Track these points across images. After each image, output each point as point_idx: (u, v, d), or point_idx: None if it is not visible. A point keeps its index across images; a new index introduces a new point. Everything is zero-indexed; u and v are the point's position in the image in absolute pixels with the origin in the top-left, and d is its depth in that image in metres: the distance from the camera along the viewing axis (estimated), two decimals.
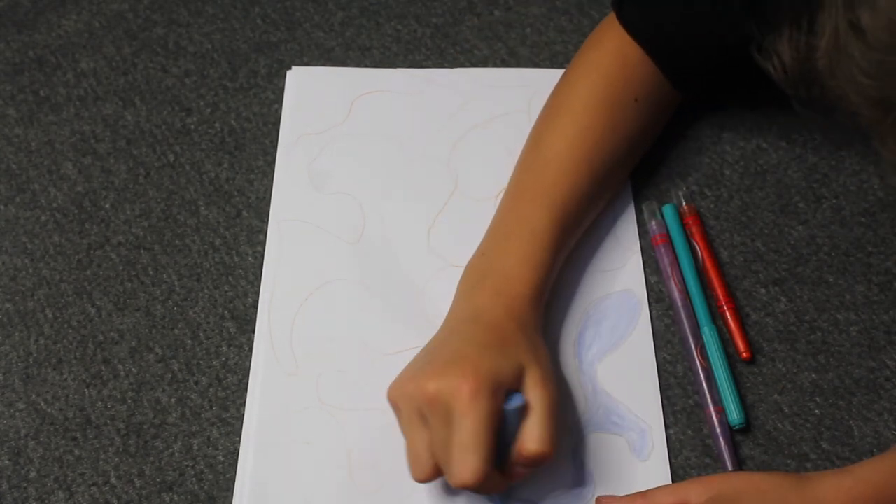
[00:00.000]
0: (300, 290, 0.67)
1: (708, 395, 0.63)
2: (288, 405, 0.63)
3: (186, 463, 0.62)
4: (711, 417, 0.62)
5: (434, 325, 0.64)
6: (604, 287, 0.68)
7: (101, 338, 0.66)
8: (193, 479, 0.61)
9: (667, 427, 0.62)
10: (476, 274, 0.63)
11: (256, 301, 0.67)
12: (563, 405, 0.63)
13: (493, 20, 0.82)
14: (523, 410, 0.56)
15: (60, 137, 0.75)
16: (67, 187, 0.73)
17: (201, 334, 0.66)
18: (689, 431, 0.62)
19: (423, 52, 0.80)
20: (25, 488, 0.61)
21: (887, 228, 0.70)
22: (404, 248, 0.69)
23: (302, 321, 0.66)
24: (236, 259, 0.69)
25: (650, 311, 0.67)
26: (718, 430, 0.62)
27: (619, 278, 0.68)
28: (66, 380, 0.65)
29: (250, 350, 0.65)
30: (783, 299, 0.67)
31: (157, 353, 0.66)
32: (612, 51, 0.69)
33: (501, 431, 0.55)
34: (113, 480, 0.61)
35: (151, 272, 0.69)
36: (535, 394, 0.56)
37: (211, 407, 0.64)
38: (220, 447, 0.62)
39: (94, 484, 0.61)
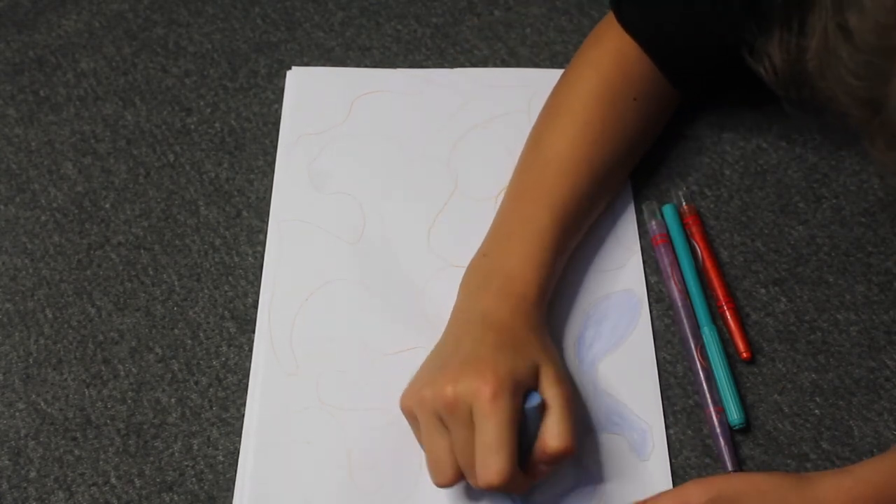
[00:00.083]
0: (300, 290, 0.67)
1: (708, 395, 0.63)
2: (288, 405, 0.63)
3: (186, 463, 0.62)
4: (711, 417, 0.62)
5: (434, 325, 0.64)
6: (604, 287, 0.68)
7: (101, 338, 0.66)
8: (193, 479, 0.61)
9: (667, 427, 0.62)
10: (479, 275, 0.63)
11: (256, 301, 0.67)
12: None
13: (493, 20, 0.82)
14: (541, 409, 0.56)
15: (60, 137, 0.75)
16: (67, 187, 0.73)
17: (201, 334, 0.66)
18: (689, 431, 0.63)
19: (423, 52, 0.80)
20: (25, 488, 0.61)
21: (887, 228, 0.70)
22: (404, 248, 0.69)
23: (302, 321, 0.66)
24: (236, 259, 0.69)
25: (650, 311, 0.67)
26: (718, 430, 0.62)
27: (620, 278, 0.68)
28: (66, 380, 0.65)
29: (250, 350, 0.65)
30: (783, 299, 0.67)
31: (157, 353, 0.66)
32: (610, 50, 0.69)
33: (522, 431, 0.55)
34: (113, 480, 0.61)
35: (151, 272, 0.69)
36: (551, 392, 0.56)
37: (211, 407, 0.64)
38: (220, 447, 0.62)
39: (94, 484, 0.61)
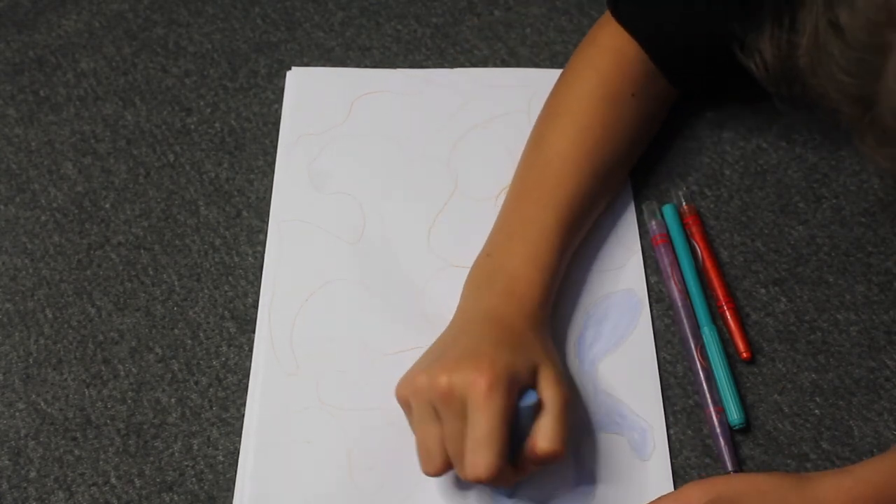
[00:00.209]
0: (300, 291, 0.67)
1: (708, 395, 0.63)
2: (288, 405, 0.63)
3: (186, 463, 0.62)
4: (711, 417, 0.62)
5: (434, 324, 0.64)
6: (604, 287, 0.68)
7: (101, 338, 0.66)
8: (193, 479, 0.61)
9: (667, 427, 0.62)
10: (483, 275, 0.63)
11: (256, 301, 0.67)
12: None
13: (493, 20, 0.82)
14: (536, 408, 0.56)
15: (60, 137, 0.75)
16: (67, 187, 0.73)
17: (201, 334, 0.66)
18: (689, 431, 0.62)
19: (423, 52, 0.80)
20: (25, 488, 0.61)
21: (887, 228, 0.70)
22: (404, 248, 0.69)
23: (302, 321, 0.66)
24: (236, 259, 0.69)
25: (650, 312, 0.67)
26: (718, 430, 0.62)
27: (620, 278, 0.68)
28: (66, 380, 0.65)
29: (250, 350, 0.65)
30: (783, 299, 0.67)
31: (157, 353, 0.66)
32: (608, 49, 0.69)
33: (514, 427, 0.55)
34: (113, 480, 0.61)
35: (151, 272, 0.69)
36: (548, 393, 0.56)
37: (211, 407, 0.64)
38: (220, 447, 0.62)
39: (94, 484, 0.61)
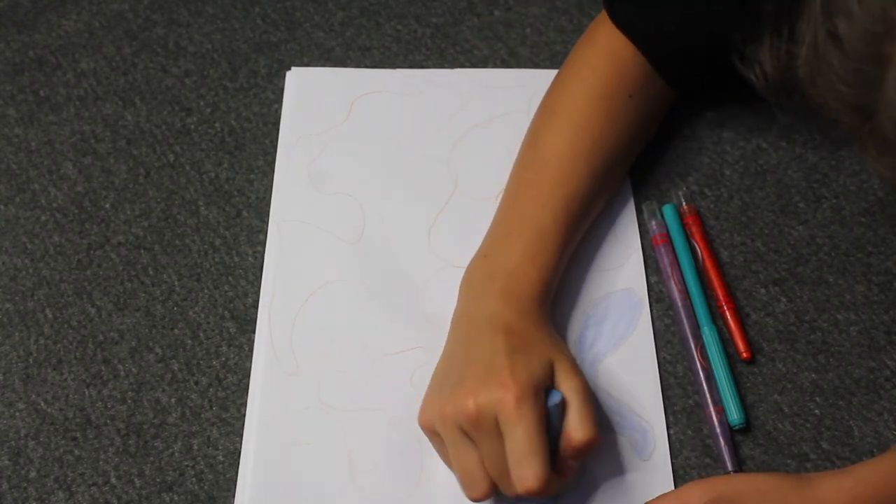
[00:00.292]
0: (300, 291, 0.67)
1: (708, 395, 0.63)
2: (288, 405, 0.63)
3: (186, 463, 0.62)
4: (711, 417, 0.62)
5: (434, 324, 0.64)
6: (605, 287, 0.68)
7: (101, 338, 0.66)
8: (193, 479, 0.61)
9: (667, 427, 0.62)
10: (480, 276, 0.63)
11: (256, 301, 0.67)
12: None
13: (493, 20, 0.82)
14: (563, 404, 0.56)
15: (60, 137, 0.75)
16: (67, 187, 0.73)
17: (201, 334, 0.66)
18: (689, 431, 0.63)
19: (423, 52, 0.80)
20: (25, 488, 0.61)
21: (887, 228, 0.70)
22: (404, 248, 0.69)
23: (302, 321, 0.66)
24: (236, 259, 0.69)
25: (650, 311, 0.67)
26: (718, 430, 0.62)
27: (620, 277, 0.68)
28: (66, 380, 0.65)
29: (250, 350, 0.65)
30: (783, 299, 0.67)
31: (157, 353, 0.66)
32: (604, 49, 0.69)
33: (548, 430, 0.56)
34: (113, 480, 0.61)
35: (151, 272, 0.69)
36: (568, 385, 0.57)
37: (211, 407, 0.64)
38: (220, 447, 0.62)
39: (94, 484, 0.61)
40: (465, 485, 0.57)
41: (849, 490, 0.54)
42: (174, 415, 0.63)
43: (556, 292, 0.65)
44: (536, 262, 0.62)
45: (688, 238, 0.69)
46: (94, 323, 0.67)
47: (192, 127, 0.76)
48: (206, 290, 0.68)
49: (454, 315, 0.63)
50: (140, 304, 0.67)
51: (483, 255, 0.64)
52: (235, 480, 0.61)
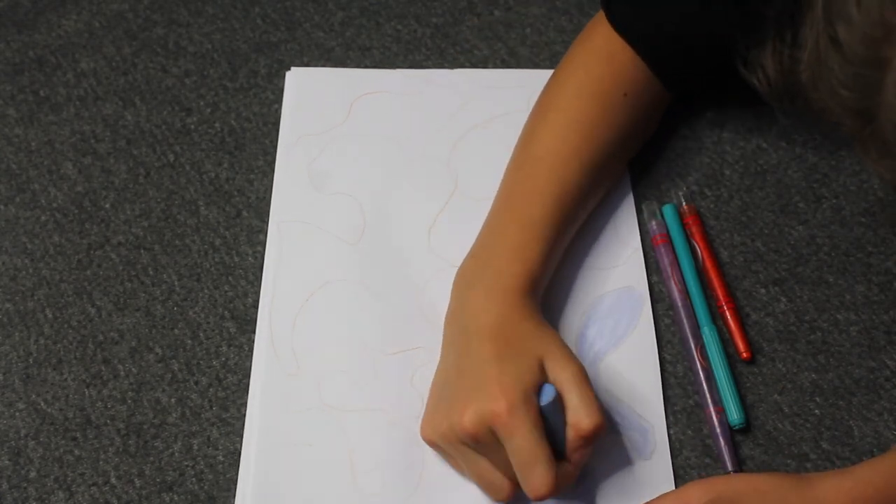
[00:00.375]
0: (300, 291, 0.67)
1: (708, 395, 0.63)
2: (289, 406, 0.63)
3: (186, 463, 0.62)
4: (711, 417, 0.62)
5: (434, 325, 0.64)
6: (605, 286, 0.68)
7: (101, 338, 0.66)
8: (193, 479, 0.61)
9: (667, 426, 0.62)
10: (468, 275, 0.63)
11: (256, 301, 0.67)
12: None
13: (493, 20, 0.82)
14: (558, 399, 0.56)
15: (60, 137, 0.75)
16: (67, 187, 0.73)
17: (201, 334, 0.66)
18: (689, 431, 0.63)
19: (423, 52, 0.80)
20: (25, 488, 0.61)
21: (887, 228, 0.70)
22: (404, 248, 0.69)
23: (302, 321, 0.66)
24: (236, 259, 0.69)
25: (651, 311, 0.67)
26: (718, 430, 0.62)
27: (621, 276, 0.68)
28: (66, 380, 0.65)
29: (250, 350, 0.65)
30: (783, 299, 0.67)
31: (157, 353, 0.66)
32: (600, 49, 0.69)
33: (547, 428, 0.55)
34: (113, 480, 0.61)
35: (151, 272, 0.69)
36: (563, 375, 0.57)
37: (211, 407, 0.64)
38: (220, 447, 0.62)
39: (94, 484, 0.61)
40: (488, 490, 0.57)
41: (849, 490, 0.54)
42: (174, 415, 0.63)
43: (556, 291, 0.65)
44: (523, 255, 0.62)
45: (688, 238, 0.69)
46: (94, 323, 0.67)
47: (192, 127, 0.76)
48: (206, 290, 0.68)
49: (446, 316, 0.63)
50: (140, 304, 0.67)
51: (471, 257, 0.64)
52: (235, 480, 0.61)
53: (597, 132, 0.67)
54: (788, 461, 0.61)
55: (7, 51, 0.80)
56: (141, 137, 0.75)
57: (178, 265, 0.69)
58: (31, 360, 0.65)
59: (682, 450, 0.62)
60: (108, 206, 0.72)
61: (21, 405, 0.64)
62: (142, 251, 0.70)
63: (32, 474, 0.61)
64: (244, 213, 0.71)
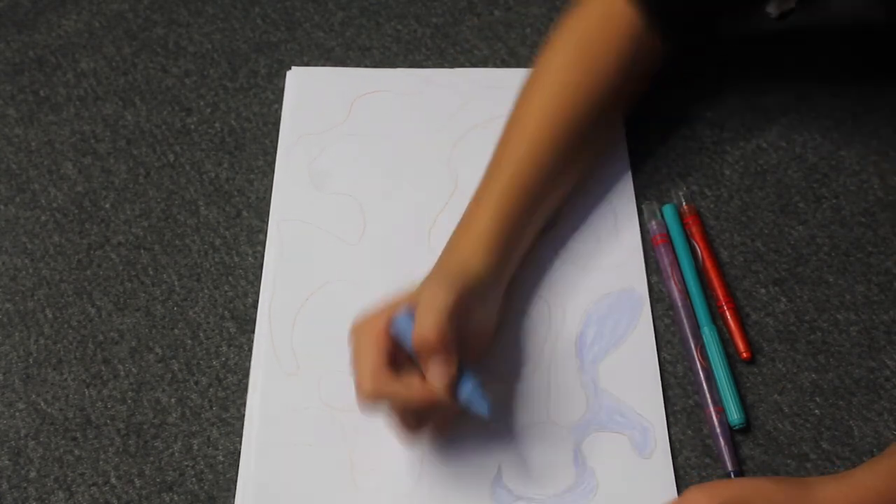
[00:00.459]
0: (300, 291, 0.67)
1: (708, 395, 0.63)
2: (289, 405, 0.63)
3: (186, 463, 0.62)
4: (711, 417, 0.62)
5: None
6: (605, 286, 0.68)
7: (101, 338, 0.66)
8: (193, 479, 0.61)
9: (667, 426, 0.62)
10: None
11: (256, 301, 0.67)
12: (564, 405, 0.63)
13: (493, 20, 0.82)
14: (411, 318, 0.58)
15: (60, 137, 0.75)
16: (67, 187, 0.73)
17: (201, 334, 0.66)
18: (690, 431, 0.63)
19: (423, 52, 0.80)
20: (25, 488, 0.61)
21: (887, 228, 0.70)
22: (404, 248, 0.69)
23: (302, 321, 0.66)
24: (236, 259, 0.69)
25: (651, 311, 0.67)
26: (718, 430, 0.62)
27: (621, 277, 0.68)
28: (66, 380, 0.65)
29: (250, 350, 0.65)
30: (783, 299, 0.67)
31: (157, 353, 0.66)
32: (591, 11, 0.69)
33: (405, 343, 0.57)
34: (113, 480, 0.61)
35: (151, 272, 0.69)
36: (418, 299, 0.58)
37: (211, 407, 0.64)
38: (220, 447, 0.62)
39: (94, 484, 0.61)
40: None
41: (849, 495, 0.54)
42: (174, 415, 0.63)
43: (557, 291, 0.65)
44: (470, 226, 0.63)
45: (688, 238, 0.69)
46: (94, 323, 0.67)
47: (192, 127, 0.76)
48: (206, 290, 0.68)
49: None
50: (140, 304, 0.67)
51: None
52: (235, 480, 0.61)
53: (581, 89, 0.66)
54: (788, 461, 0.61)
55: (7, 51, 0.80)
56: (141, 137, 0.75)
57: (178, 265, 0.69)
58: (31, 360, 0.65)
59: (682, 450, 0.62)
60: (108, 206, 0.72)
61: (21, 405, 0.64)
62: (142, 251, 0.70)
63: (32, 474, 0.61)
64: (244, 213, 0.71)
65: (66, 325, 0.67)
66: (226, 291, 0.68)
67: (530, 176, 0.65)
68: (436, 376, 0.56)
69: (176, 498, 0.60)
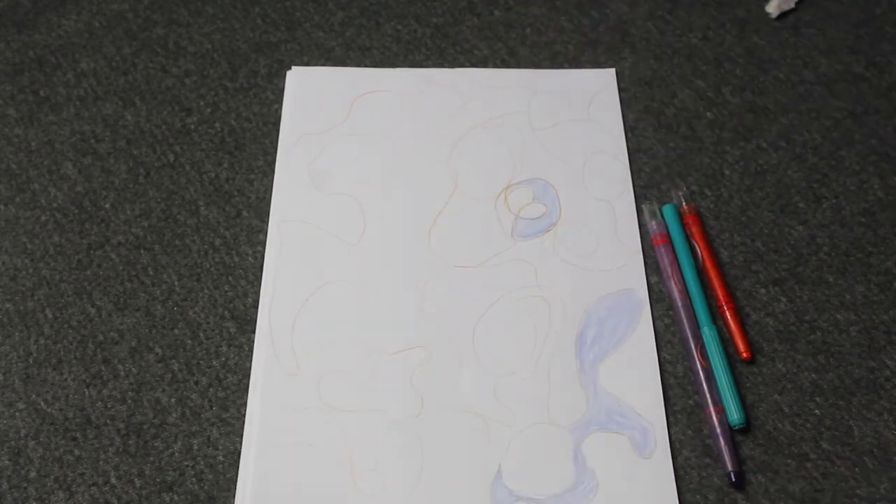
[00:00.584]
0: (300, 291, 0.67)
1: (708, 395, 0.63)
2: (288, 405, 0.63)
3: (186, 463, 0.62)
4: (711, 417, 0.62)
5: (434, 324, 0.64)
6: (605, 287, 0.68)
7: (101, 338, 0.66)
8: (193, 479, 0.61)
9: (667, 426, 0.62)
10: None
11: (256, 301, 0.67)
12: (564, 405, 0.63)
13: (493, 20, 0.82)
14: None
15: (60, 137, 0.75)
16: (67, 187, 0.73)
17: (201, 334, 0.66)
18: (690, 431, 0.63)
19: (423, 52, 0.80)
20: (25, 488, 0.61)
21: (887, 228, 0.70)
22: (404, 248, 0.69)
23: (302, 321, 0.66)
24: (236, 259, 0.69)
25: (651, 311, 0.67)
26: (718, 430, 0.62)
27: (620, 278, 0.68)
28: (66, 380, 0.65)
29: (250, 350, 0.65)
30: (783, 299, 0.67)
31: (157, 353, 0.66)
32: None
33: None
34: (113, 480, 0.61)
35: (151, 272, 0.69)
36: None
37: (211, 407, 0.64)
38: (220, 447, 0.62)
39: (94, 484, 0.61)
40: None
41: None
42: (174, 415, 0.63)
43: (556, 291, 0.65)
44: None
45: (688, 238, 0.69)
46: (94, 323, 0.67)
47: (192, 127, 0.76)
48: (206, 290, 0.68)
49: None
50: (140, 304, 0.67)
51: None
52: (235, 480, 0.61)
53: None
54: (788, 461, 0.62)
55: (7, 51, 0.80)
56: (141, 137, 0.75)
57: (178, 265, 0.69)
58: (31, 360, 0.65)
59: (682, 450, 0.62)
60: (108, 206, 0.72)
61: (21, 405, 0.64)
62: (142, 251, 0.70)
63: (32, 474, 0.61)
64: (244, 213, 0.71)
65: (66, 325, 0.67)
66: (226, 291, 0.68)
67: None
68: None
69: (176, 498, 0.60)
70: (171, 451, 0.62)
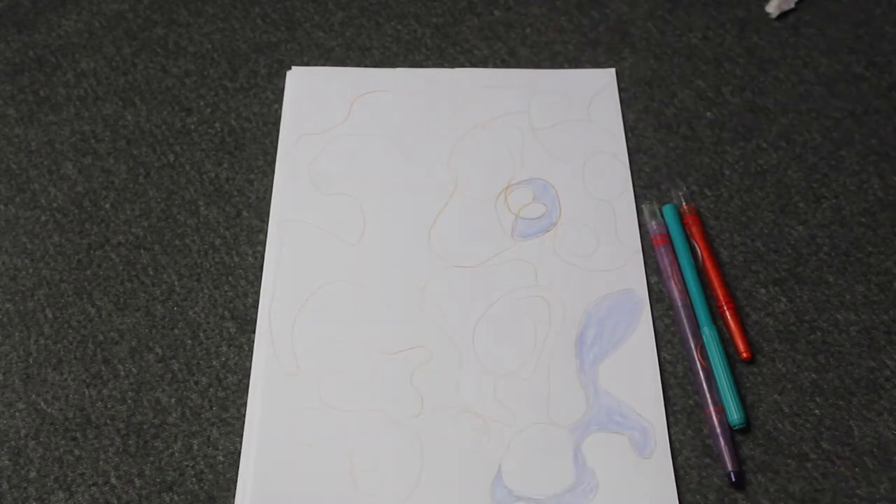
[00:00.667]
0: (300, 291, 0.67)
1: (708, 395, 0.63)
2: (288, 405, 0.63)
3: (186, 463, 0.62)
4: (711, 417, 0.62)
5: (434, 324, 0.64)
6: (605, 287, 0.68)
7: (101, 338, 0.66)
8: (193, 479, 0.61)
9: (667, 426, 0.62)
10: None
11: (256, 301, 0.67)
12: (564, 405, 0.63)
13: (493, 20, 0.82)
14: None
15: (60, 137, 0.75)
16: (67, 187, 0.73)
17: (201, 334, 0.66)
18: (690, 431, 0.63)
19: (423, 52, 0.80)
20: (25, 488, 0.61)
21: (887, 228, 0.70)
22: (404, 248, 0.69)
23: (302, 321, 0.66)
24: (236, 259, 0.69)
25: (651, 311, 0.67)
26: (718, 430, 0.62)
27: (620, 278, 0.68)
28: (66, 380, 0.65)
29: (250, 350, 0.65)
30: (783, 299, 0.67)
31: (157, 353, 0.66)
32: None
33: None
34: (113, 480, 0.61)
35: (151, 272, 0.69)
36: None
37: (211, 407, 0.64)
38: (220, 447, 0.62)
39: (94, 484, 0.61)
40: None
41: None
42: (174, 415, 0.63)
43: (556, 292, 0.65)
44: None
45: (688, 238, 0.69)
46: (94, 323, 0.67)
47: (192, 127, 0.76)
48: (206, 290, 0.68)
49: None
50: (140, 304, 0.67)
51: None
52: (235, 480, 0.61)
53: None
54: (788, 461, 0.62)
55: (7, 51, 0.80)
56: (141, 137, 0.75)
57: (178, 265, 0.69)
58: (31, 360, 0.65)
59: (682, 450, 0.62)
60: (108, 206, 0.72)
61: (21, 405, 0.64)
62: (142, 251, 0.70)
63: (32, 474, 0.61)
64: (244, 213, 0.71)
65: (66, 325, 0.67)
66: (226, 291, 0.68)
67: None
68: None
69: (176, 498, 0.60)
70: (171, 451, 0.62)
